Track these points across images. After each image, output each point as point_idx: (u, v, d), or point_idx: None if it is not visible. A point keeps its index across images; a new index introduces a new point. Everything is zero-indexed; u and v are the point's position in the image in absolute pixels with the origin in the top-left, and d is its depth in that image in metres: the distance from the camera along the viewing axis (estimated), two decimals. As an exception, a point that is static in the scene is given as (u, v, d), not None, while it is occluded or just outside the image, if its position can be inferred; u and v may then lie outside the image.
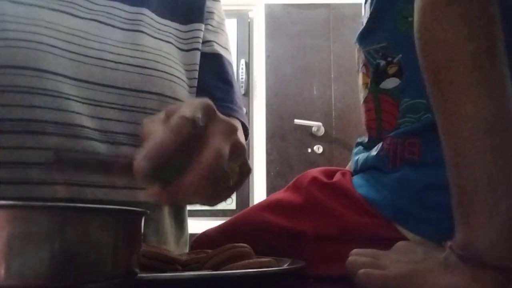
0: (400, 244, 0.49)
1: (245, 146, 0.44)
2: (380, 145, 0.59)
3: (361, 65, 0.64)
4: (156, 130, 0.39)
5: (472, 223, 0.38)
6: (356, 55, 0.66)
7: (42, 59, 0.54)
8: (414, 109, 0.56)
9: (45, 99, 0.54)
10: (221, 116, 0.41)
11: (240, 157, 0.43)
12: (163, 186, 0.38)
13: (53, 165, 0.34)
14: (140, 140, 0.41)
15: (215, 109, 0.41)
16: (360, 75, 0.65)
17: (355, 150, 0.67)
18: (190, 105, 0.40)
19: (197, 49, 0.69)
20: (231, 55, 0.76)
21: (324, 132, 2.52)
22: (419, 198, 0.52)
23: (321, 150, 2.51)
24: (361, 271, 0.42)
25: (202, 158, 0.37)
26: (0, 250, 0.22)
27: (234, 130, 0.41)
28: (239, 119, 0.70)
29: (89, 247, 0.25)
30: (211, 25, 0.73)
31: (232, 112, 0.70)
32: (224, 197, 0.43)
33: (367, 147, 0.63)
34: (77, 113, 0.56)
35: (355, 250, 0.47)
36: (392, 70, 0.58)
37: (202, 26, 0.71)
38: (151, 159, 0.35)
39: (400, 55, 0.57)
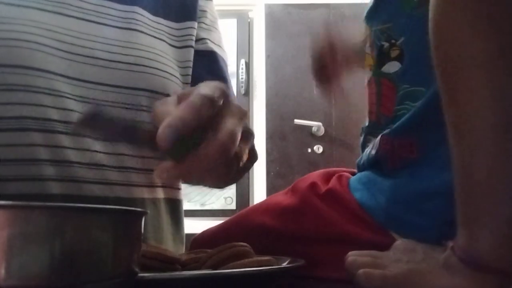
0: (399, 243, 0.49)
1: (254, 132, 0.45)
2: (377, 143, 0.58)
3: (367, 45, 0.62)
4: (171, 111, 0.39)
5: (476, 226, 0.38)
6: (363, 34, 0.64)
7: (32, 58, 0.54)
8: (412, 97, 0.54)
9: (39, 97, 0.54)
10: (233, 100, 0.42)
11: (249, 142, 0.44)
12: (176, 161, 0.38)
13: (85, 121, 0.34)
14: (154, 121, 0.42)
15: (229, 93, 0.42)
16: (366, 56, 0.63)
17: (361, 138, 0.66)
18: (207, 86, 0.41)
19: (190, 46, 0.69)
20: (225, 53, 0.77)
21: (324, 132, 2.51)
22: (413, 205, 0.52)
23: (321, 150, 2.51)
24: (361, 271, 0.42)
25: (217, 137, 0.38)
26: (0, 250, 0.22)
27: (245, 114, 0.42)
28: None
29: (89, 247, 0.25)
30: (205, 23, 0.74)
31: None
32: (231, 181, 0.44)
33: (367, 132, 0.62)
34: (71, 110, 0.56)
35: (354, 252, 0.47)
36: (394, 53, 0.56)
37: (195, 24, 0.71)
38: (174, 128, 0.35)
39: (403, 38, 0.55)
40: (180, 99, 0.42)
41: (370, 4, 0.61)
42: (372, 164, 0.59)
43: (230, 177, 0.43)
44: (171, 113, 0.38)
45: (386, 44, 0.57)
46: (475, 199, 0.38)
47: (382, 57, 0.58)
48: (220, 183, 0.44)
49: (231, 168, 0.42)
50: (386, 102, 0.57)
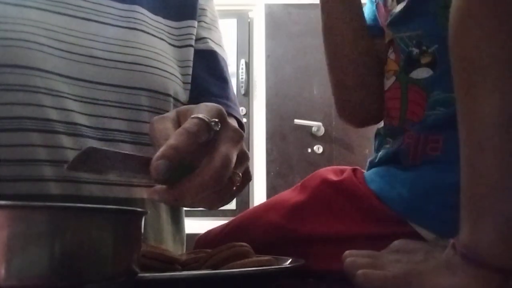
0: (397, 243, 0.49)
1: (249, 154, 0.45)
2: (401, 138, 0.58)
3: (390, 50, 0.62)
4: (168, 129, 0.40)
5: (478, 222, 0.38)
6: (385, 39, 0.64)
7: (31, 57, 0.54)
8: (445, 102, 0.54)
9: (38, 97, 0.54)
10: (230, 122, 0.43)
11: (243, 165, 0.44)
12: (170, 186, 0.39)
13: (80, 160, 0.35)
14: (151, 138, 0.42)
15: (226, 115, 0.42)
16: (388, 61, 0.63)
17: (377, 141, 0.66)
18: (205, 109, 0.41)
19: (190, 45, 0.69)
20: (225, 52, 0.76)
21: (324, 132, 2.52)
22: (438, 196, 0.52)
23: (321, 150, 2.51)
24: (360, 271, 0.42)
25: (211, 163, 0.38)
26: (0, 250, 0.22)
27: (241, 137, 0.42)
28: (234, 116, 0.71)
29: (89, 247, 0.25)
30: (205, 22, 0.73)
31: (228, 109, 0.70)
32: (225, 202, 0.44)
33: (386, 135, 0.62)
34: (71, 110, 0.56)
35: (351, 251, 0.47)
36: (425, 59, 0.56)
37: (195, 23, 0.71)
38: (167, 159, 0.36)
39: (436, 46, 0.55)
40: (180, 116, 0.43)
41: (397, 12, 0.61)
42: (391, 159, 0.59)
43: (223, 200, 0.44)
44: (168, 132, 0.39)
45: (416, 50, 0.57)
46: (480, 196, 0.39)
47: (411, 63, 0.58)
48: (213, 206, 0.44)
49: (224, 193, 0.42)
50: (414, 108, 0.58)
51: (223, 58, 0.74)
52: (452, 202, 0.50)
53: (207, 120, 0.39)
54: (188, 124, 0.39)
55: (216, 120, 0.40)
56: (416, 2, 0.58)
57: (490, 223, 0.38)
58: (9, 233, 0.23)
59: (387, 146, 0.62)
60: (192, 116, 0.40)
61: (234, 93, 0.75)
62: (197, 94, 0.68)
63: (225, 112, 0.42)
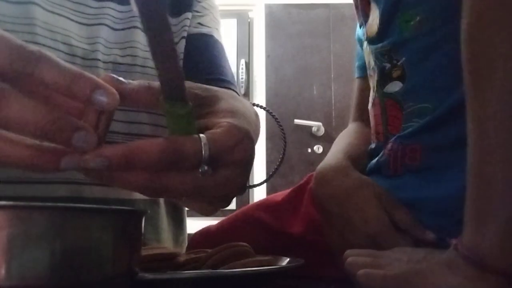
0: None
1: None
2: (382, 151, 0.58)
3: (371, 67, 0.63)
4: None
5: (483, 224, 0.38)
6: (366, 58, 0.65)
7: None
8: (419, 114, 0.54)
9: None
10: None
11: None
12: None
13: None
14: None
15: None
16: (370, 78, 0.64)
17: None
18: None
19: (183, 37, 0.68)
20: (219, 33, 0.73)
21: (324, 132, 2.52)
22: (418, 205, 0.52)
23: (321, 150, 2.51)
24: (361, 271, 0.42)
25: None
26: (0, 250, 0.22)
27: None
28: (232, 89, 0.69)
29: (89, 247, 0.25)
30: (197, 11, 0.72)
31: (231, 86, 0.69)
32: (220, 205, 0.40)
33: (374, 154, 0.62)
34: None
35: (353, 250, 0.47)
36: (396, 73, 0.57)
37: (190, 15, 0.70)
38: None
39: (404, 58, 0.56)
40: None
41: (375, 30, 0.61)
42: (376, 170, 0.59)
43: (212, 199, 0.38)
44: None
45: (388, 65, 0.58)
46: (485, 199, 0.39)
47: (384, 77, 0.59)
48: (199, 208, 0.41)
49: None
50: (394, 122, 0.58)
51: (217, 40, 0.71)
52: (431, 211, 0.50)
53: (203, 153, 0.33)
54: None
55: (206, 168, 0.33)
56: (386, 18, 0.58)
57: (494, 226, 0.37)
58: (9, 233, 0.23)
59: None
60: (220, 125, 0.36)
61: (229, 68, 0.71)
62: (206, 75, 0.65)
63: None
